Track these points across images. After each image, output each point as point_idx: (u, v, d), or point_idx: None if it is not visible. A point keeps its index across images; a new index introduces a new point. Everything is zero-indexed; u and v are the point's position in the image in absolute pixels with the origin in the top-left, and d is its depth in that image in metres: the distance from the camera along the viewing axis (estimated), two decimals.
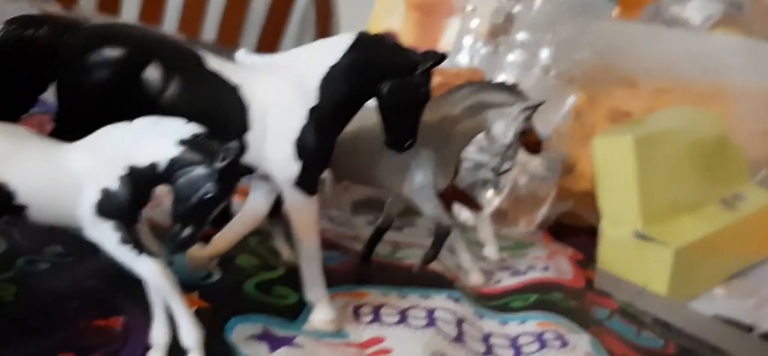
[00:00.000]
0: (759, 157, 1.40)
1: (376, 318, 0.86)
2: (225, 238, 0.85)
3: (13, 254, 0.78)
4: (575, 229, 1.48)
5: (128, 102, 0.73)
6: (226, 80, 0.76)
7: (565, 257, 1.27)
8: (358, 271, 0.99)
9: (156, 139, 0.60)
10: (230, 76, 0.77)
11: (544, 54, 1.46)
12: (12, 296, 0.70)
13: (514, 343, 0.88)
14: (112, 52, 0.73)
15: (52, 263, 0.79)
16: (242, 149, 0.62)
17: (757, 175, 1.39)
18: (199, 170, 0.59)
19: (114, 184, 0.60)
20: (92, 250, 0.83)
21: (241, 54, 1.08)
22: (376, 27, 2.10)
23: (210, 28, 3.77)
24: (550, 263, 1.18)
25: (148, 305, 0.72)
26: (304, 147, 0.77)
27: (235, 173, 0.60)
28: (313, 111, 0.77)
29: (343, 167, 0.93)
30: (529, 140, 1.00)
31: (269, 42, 3.76)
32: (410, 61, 0.79)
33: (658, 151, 1.22)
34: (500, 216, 1.39)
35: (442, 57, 0.80)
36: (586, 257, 1.30)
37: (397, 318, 0.86)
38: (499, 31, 1.43)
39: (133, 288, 0.77)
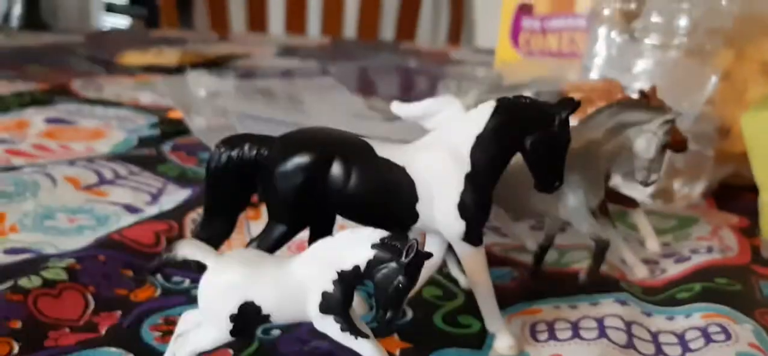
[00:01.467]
0: None
1: (551, 335, 0.97)
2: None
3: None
4: (740, 188, 1.49)
5: (320, 195, 0.90)
6: (395, 163, 0.91)
7: (730, 228, 1.30)
8: (530, 286, 1.11)
9: (355, 246, 0.76)
10: (396, 159, 0.91)
11: (683, 23, 1.47)
12: None
13: (681, 340, 0.96)
14: (302, 159, 0.90)
15: (282, 328, 0.98)
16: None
17: None
18: (391, 266, 0.74)
19: (329, 287, 0.77)
20: None
21: (396, 106, 1.22)
22: (510, 3, 2.16)
23: (349, 27, 4.00)
24: (713, 243, 1.23)
25: None
26: (465, 208, 0.90)
27: (419, 263, 0.75)
28: (469, 177, 0.90)
29: (498, 201, 1.04)
30: (674, 143, 1.06)
31: (405, 31, 3.91)
32: (548, 113, 0.89)
33: None
34: (661, 194, 1.44)
35: (577, 104, 0.89)
36: (753, 222, 1.33)
37: (570, 333, 0.97)
38: (632, 15, 1.46)
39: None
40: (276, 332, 0.97)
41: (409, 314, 1.03)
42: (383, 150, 0.92)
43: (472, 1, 3.83)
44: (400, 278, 0.74)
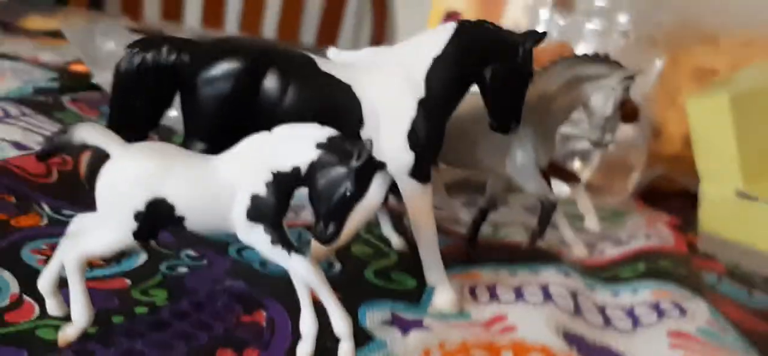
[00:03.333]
0: None
1: (493, 296, 0.89)
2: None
3: (154, 261, 0.84)
4: (667, 193, 1.47)
5: (250, 110, 0.78)
6: (339, 81, 0.80)
7: (663, 223, 1.27)
8: (466, 253, 1.02)
9: (296, 144, 0.64)
10: (341, 76, 0.81)
11: (623, 19, 1.46)
12: (164, 300, 0.76)
13: (630, 313, 0.89)
14: (231, 65, 0.78)
15: (190, 267, 0.84)
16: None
17: None
18: (338, 170, 0.63)
19: (262, 190, 0.64)
20: (222, 251, 0.90)
21: (333, 52, 1.12)
22: (437, 9, 2.12)
23: (269, 27, 3.88)
24: (650, 231, 1.19)
25: (284, 298, 0.77)
26: (415, 138, 0.80)
27: (370, 170, 0.64)
28: (422, 103, 0.80)
29: (443, 151, 0.95)
30: (626, 110, 1.01)
31: (327, 36, 3.82)
32: (511, 43, 0.81)
33: (754, 108, 1.21)
34: (591, 187, 1.40)
35: (542, 35, 0.82)
36: (683, 221, 1.30)
37: (513, 296, 0.89)
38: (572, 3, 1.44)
39: (267, 283, 0.83)
40: (183, 269, 0.84)
41: (337, 265, 0.91)
42: (327, 66, 0.81)
43: (395, 8, 3.79)
44: (348, 185, 0.63)
